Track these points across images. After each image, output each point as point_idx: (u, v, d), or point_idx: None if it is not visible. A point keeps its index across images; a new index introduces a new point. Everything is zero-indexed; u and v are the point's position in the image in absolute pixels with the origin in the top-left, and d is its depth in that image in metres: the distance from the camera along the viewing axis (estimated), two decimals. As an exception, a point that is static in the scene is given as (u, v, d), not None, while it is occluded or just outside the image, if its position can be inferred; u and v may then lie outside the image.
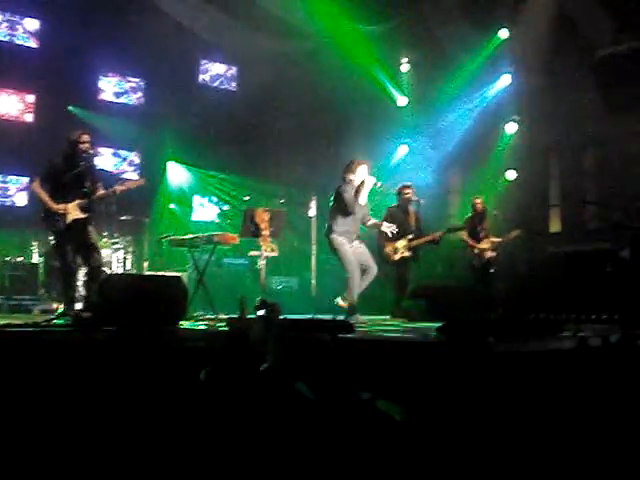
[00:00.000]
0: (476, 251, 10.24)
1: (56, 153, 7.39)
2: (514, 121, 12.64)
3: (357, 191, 8.02)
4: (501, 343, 4.48)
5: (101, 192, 7.24)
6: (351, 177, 8.07)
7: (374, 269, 8.10)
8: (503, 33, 12.65)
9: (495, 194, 11.94)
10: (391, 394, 3.86)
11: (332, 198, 8.09)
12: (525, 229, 10.62)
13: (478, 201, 10.46)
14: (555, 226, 12.82)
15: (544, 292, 9.31)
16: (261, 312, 4.80)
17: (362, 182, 8.03)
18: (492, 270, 10.37)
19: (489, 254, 10.25)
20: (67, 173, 7.11)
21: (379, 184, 8.37)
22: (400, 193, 9.71)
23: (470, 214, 10.49)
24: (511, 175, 12.58)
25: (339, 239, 7.91)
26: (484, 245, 10.23)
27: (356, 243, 8.07)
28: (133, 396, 4.84)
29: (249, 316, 7.11)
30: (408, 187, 9.74)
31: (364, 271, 8.00)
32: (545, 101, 12.06)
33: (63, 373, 4.66)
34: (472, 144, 12.91)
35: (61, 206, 7.05)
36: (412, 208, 9.70)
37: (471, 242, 10.27)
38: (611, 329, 6.23)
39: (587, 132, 11.86)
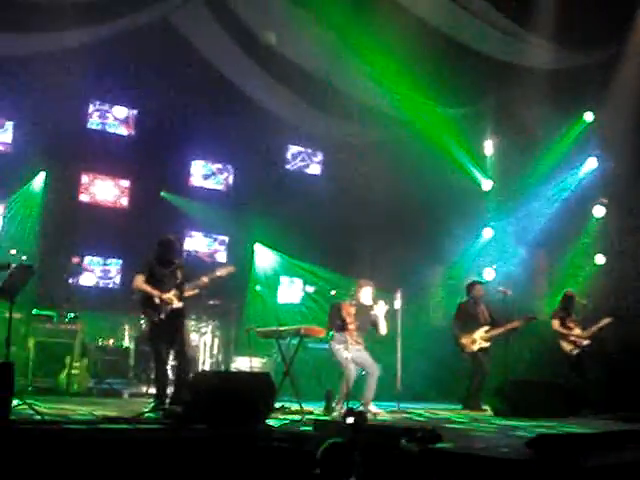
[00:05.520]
0: (572, 339, 9.97)
1: (148, 249, 7.85)
2: (601, 204, 12.44)
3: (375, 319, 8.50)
4: (592, 458, 4.36)
5: (192, 288, 7.60)
6: (357, 295, 8.59)
7: (374, 367, 8.43)
8: (588, 116, 12.61)
9: (584, 280, 11.70)
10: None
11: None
12: (615, 315, 10.32)
13: (570, 292, 10.32)
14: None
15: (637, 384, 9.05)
16: (349, 420, 4.84)
17: (375, 314, 8.50)
18: (586, 359, 10.07)
19: (585, 342, 9.98)
20: (161, 269, 7.49)
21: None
22: (471, 289, 10.01)
23: (560, 305, 10.29)
24: (600, 260, 12.32)
25: (335, 346, 8.36)
26: (578, 333, 9.97)
27: (354, 348, 8.32)
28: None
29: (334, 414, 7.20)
30: (479, 283, 10.18)
31: (368, 373, 8.40)
32: (632, 183, 11.87)
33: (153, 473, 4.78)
34: (559, 227, 12.73)
35: (168, 295, 7.41)
36: (483, 303, 9.93)
37: (565, 331, 10.01)
38: None
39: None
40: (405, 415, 8.27)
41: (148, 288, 7.45)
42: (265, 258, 14.15)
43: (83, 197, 13.16)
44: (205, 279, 7.72)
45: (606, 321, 10.01)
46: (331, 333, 8.39)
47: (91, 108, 13.31)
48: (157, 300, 7.38)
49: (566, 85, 12.12)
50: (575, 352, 9.94)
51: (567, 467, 4.04)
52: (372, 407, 8.28)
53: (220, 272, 7.90)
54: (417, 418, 7.91)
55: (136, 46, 11.54)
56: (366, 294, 8.63)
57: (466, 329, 9.67)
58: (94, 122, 13.34)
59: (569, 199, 12.90)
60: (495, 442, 5.60)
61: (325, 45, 11.74)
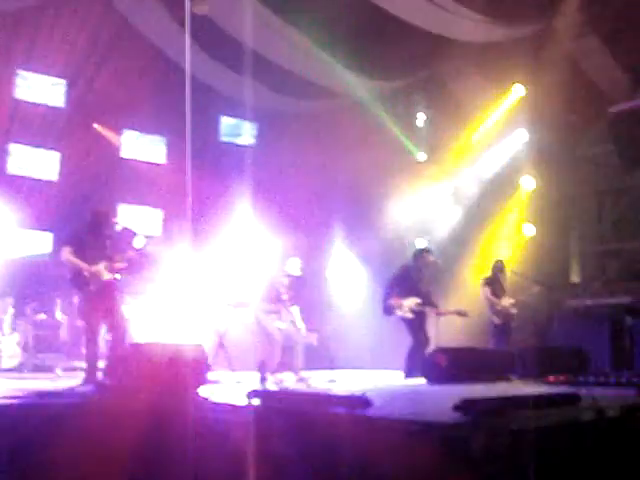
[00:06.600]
0: (499, 308, 10.21)
1: (79, 220, 7.73)
2: (531, 176, 12.73)
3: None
4: (517, 420, 4.50)
5: (124, 254, 7.51)
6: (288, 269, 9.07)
7: (299, 336, 8.80)
8: (518, 89, 12.83)
9: (513, 249, 11.99)
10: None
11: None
12: (544, 284, 10.63)
13: (498, 261, 10.51)
14: (575, 277, 12.81)
15: (563, 350, 9.35)
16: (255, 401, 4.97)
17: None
18: (512, 326, 10.36)
19: (512, 311, 10.25)
20: (90, 241, 7.38)
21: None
22: (419, 256, 9.82)
23: (489, 273, 10.50)
24: (529, 230, 12.64)
25: (264, 317, 8.72)
26: (506, 302, 10.21)
27: (286, 318, 8.76)
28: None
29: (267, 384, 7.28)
30: (427, 251, 9.94)
31: (294, 342, 8.77)
32: (561, 154, 12.17)
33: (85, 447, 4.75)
34: (489, 198, 13.00)
35: (97, 267, 7.30)
36: (427, 274, 9.80)
37: (494, 299, 10.26)
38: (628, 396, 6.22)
39: (604, 183, 11.96)
40: (338, 382, 8.37)
41: (76, 260, 7.32)
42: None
43: (11, 169, 12.81)
44: (132, 252, 7.61)
45: (534, 290, 10.29)
46: (258, 305, 8.48)
47: (18, 78, 12.93)
48: (86, 273, 7.29)
49: (497, 58, 12.28)
50: (502, 320, 10.19)
51: (493, 428, 4.17)
52: (304, 375, 8.39)
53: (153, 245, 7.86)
54: (349, 385, 8.03)
55: (64, 14, 11.24)
56: (295, 267, 8.91)
57: (399, 292, 9.51)
58: (21, 92, 12.96)
59: (499, 170, 13.15)
60: (425, 407, 5.72)
61: (258, 16, 11.61)
